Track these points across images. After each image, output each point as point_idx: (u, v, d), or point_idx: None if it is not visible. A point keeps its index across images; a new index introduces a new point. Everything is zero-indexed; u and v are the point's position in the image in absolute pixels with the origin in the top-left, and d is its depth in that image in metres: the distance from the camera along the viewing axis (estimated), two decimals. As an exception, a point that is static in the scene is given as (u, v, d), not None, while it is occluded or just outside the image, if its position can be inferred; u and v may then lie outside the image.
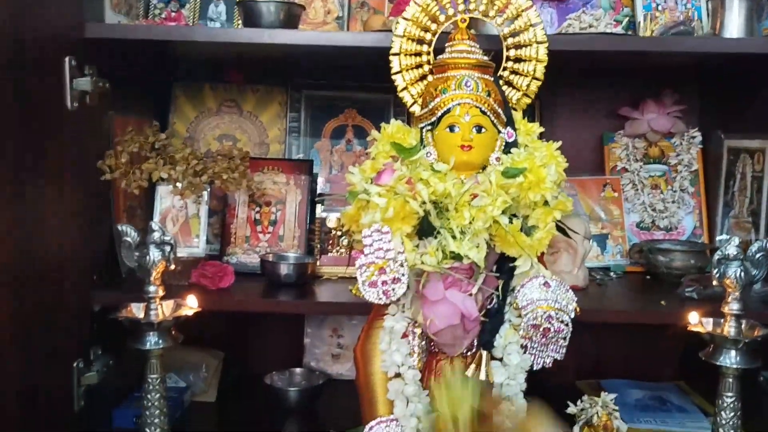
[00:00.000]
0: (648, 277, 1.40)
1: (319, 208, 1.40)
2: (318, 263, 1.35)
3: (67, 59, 1.06)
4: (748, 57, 1.14)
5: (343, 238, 1.39)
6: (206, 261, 1.24)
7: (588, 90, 1.53)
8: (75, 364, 1.11)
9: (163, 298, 0.98)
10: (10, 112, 0.94)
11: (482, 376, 0.90)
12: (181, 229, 1.26)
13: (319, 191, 1.46)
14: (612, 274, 1.42)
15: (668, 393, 1.45)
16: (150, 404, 0.98)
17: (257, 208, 1.40)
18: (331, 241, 1.39)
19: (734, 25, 1.16)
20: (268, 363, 1.49)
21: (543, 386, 1.00)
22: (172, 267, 0.97)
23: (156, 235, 0.95)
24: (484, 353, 0.91)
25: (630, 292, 1.33)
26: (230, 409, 1.41)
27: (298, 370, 1.49)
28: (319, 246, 1.38)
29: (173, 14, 1.28)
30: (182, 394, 1.38)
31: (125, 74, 1.28)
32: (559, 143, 0.96)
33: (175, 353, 1.40)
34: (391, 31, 1.07)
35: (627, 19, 1.37)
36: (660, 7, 1.31)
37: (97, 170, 1.19)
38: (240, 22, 1.31)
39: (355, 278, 0.89)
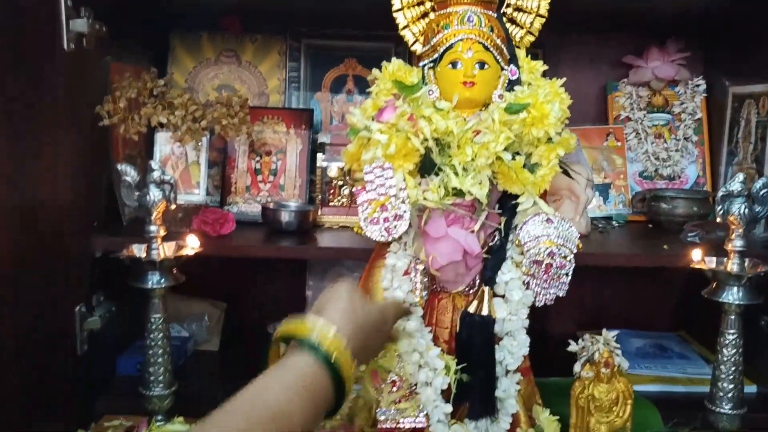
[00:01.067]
0: (650, 225, 1.40)
1: (320, 157, 1.39)
2: (319, 212, 1.35)
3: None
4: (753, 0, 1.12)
5: (344, 187, 1.39)
6: (207, 208, 1.24)
7: (592, 39, 1.51)
8: (77, 309, 1.12)
9: (164, 240, 0.97)
10: (3, 50, 0.93)
11: (484, 312, 0.90)
12: (181, 176, 1.25)
13: (319, 142, 1.45)
14: (614, 222, 1.41)
15: (669, 341, 1.46)
16: (153, 344, 0.99)
17: (257, 158, 1.39)
18: (332, 191, 1.38)
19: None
20: (270, 315, 1.49)
21: (544, 336, 1.01)
22: (173, 206, 0.96)
23: (156, 174, 0.94)
24: (486, 289, 0.91)
25: (632, 238, 1.33)
26: (232, 357, 1.42)
27: (300, 320, 1.50)
28: (320, 195, 1.38)
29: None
30: (185, 344, 1.39)
31: (122, 21, 1.26)
32: (563, 80, 0.94)
33: (178, 304, 1.41)
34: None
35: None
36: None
37: (95, 116, 1.17)
38: (238, -34, 1.28)
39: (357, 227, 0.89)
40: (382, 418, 0.89)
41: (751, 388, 1.27)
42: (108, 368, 1.28)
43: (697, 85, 1.46)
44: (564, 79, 0.94)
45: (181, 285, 1.06)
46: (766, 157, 1.23)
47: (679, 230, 1.27)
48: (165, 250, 0.96)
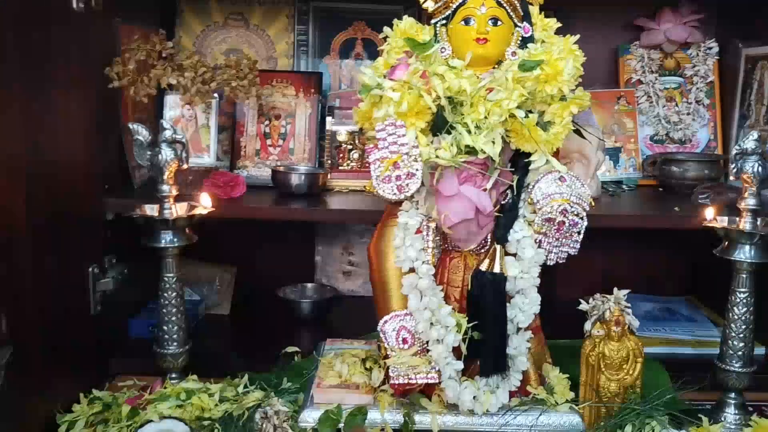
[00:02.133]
0: (661, 189, 1.39)
1: (329, 121, 1.38)
2: (329, 176, 1.34)
3: (70, -43, 1.03)
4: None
5: (354, 151, 1.38)
6: (218, 171, 1.24)
7: (604, 0, 1.48)
8: (90, 269, 1.12)
9: (176, 201, 0.98)
10: (13, 11, 0.92)
11: (496, 270, 0.90)
12: (191, 139, 1.25)
13: (328, 106, 1.45)
14: (624, 186, 1.41)
15: (678, 305, 1.47)
16: (167, 303, 1.00)
17: (267, 122, 1.39)
18: (341, 155, 1.38)
19: None
20: (279, 280, 1.50)
21: (552, 300, 1.01)
22: (185, 166, 0.96)
23: (167, 134, 0.94)
24: (498, 248, 0.91)
25: (643, 202, 1.33)
26: (243, 320, 1.44)
27: (309, 284, 1.51)
28: (329, 160, 1.38)
29: None
30: (197, 307, 1.40)
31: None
32: (577, 36, 0.93)
33: (190, 268, 1.42)
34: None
35: None
36: None
37: (105, 78, 1.17)
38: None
39: (369, 190, 0.89)
40: (395, 374, 0.90)
41: (759, 350, 1.28)
42: (120, 330, 1.30)
43: (710, 48, 1.44)
44: (578, 36, 0.94)
45: (192, 250, 1.07)
46: (780, 119, 1.23)
47: (689, 194, 1.27)
48: (177, 210, 0.97)
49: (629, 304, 0.96)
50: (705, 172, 1.31)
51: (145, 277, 1.28)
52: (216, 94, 1.22)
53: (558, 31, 1.08)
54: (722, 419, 0.98)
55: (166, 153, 0.94)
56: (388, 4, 1.48)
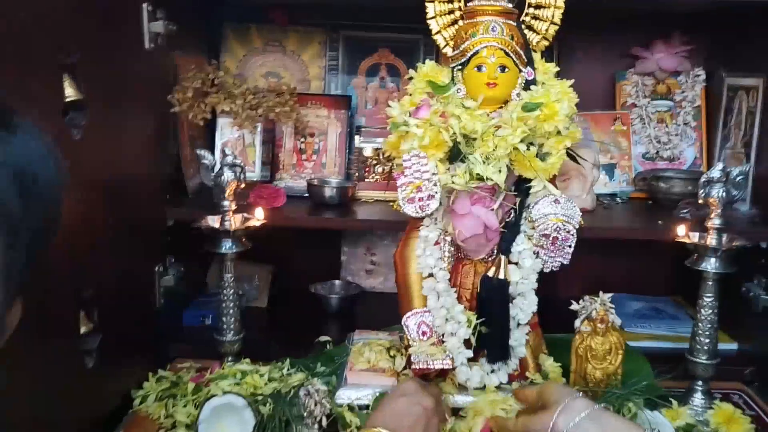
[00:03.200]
0: (650, 202, 1.57)
1: (357, 139, 1.57)
2: (356, 188, 1.53)
3: (144, 5, 1.22)
4: (739, 4, 1.27)
5: (378, 166, 1.57)
6: (261, 184, 1.43)
7: (603, 31, 1.65)
8: (156, 268, 1.32)
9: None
10: (100, 49, 1.10)
11: (501, 276, 1.08)
12: (238, 155, 1.43)
13: (356, 126, 1.63)
14: (618, 199, 1.58)
15: (664, 305, 1.64)
16: (226, 298, 1.19)
17: (302, 139, 1.58)
18: (367, 169, 1.57)
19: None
20: (310, 276, 1.69)
21: (554, 300, 1.19)
22: (243, 185, 1.15)
23: (229, 159, 1.13)
24: (503, 258, 1.09)
25: (633, 214, 1.50)
26: (279, 313, 1.63)
27: (337, 281, 1.70)
28: (357, 173, 1.56)
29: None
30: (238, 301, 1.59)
31: (185, 16, 1.43)
32: (572, 81, 1.11)
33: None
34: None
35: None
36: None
37: (167, 103, 1.36)
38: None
39: (388, 201, 1.06)
40: (416, 360, 1.09)
41: (732, 346, 1.46)
42: (176, 320, 1.50)
43: (698, 75, 1.61)
44: (572, 80, 1.11)
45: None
46: (753, 144, 1.39)
47: (674, 207, 1.44)
48: (235, 222, 1.16)
49: (613, 305, 1.14)
50: (689, 188, 1.48)
51: (194, 274, 1.47)
52: (262, 117, 1.40)
53: (562, 54, 1.26)
54: (690, 403, 1.16)
55: (227, 175, 1.13)
56: (409, 33, 1.65)
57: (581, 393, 0.99)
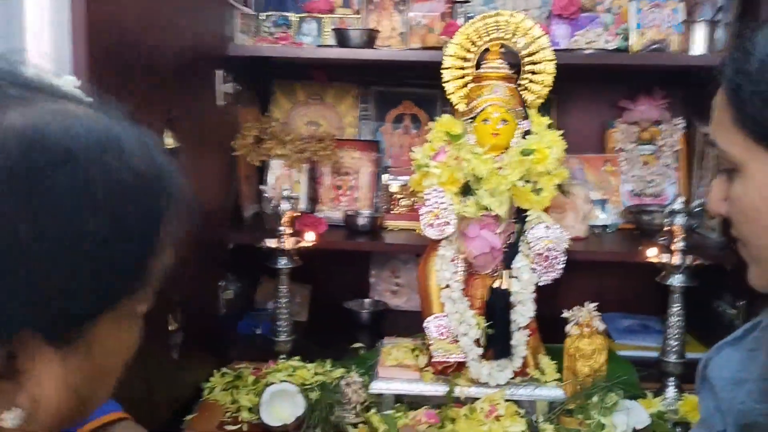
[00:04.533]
0: (636, 232, 1.82)
1: (385, 177, 1.85)
2: (384, 218, 1.81)
3: (219, 72, 1.53)
4: (708, 68, 1.54)
5: (403, 199, 1.85)
6: (306, 214, 1.71)
7: (595, 87, 1.93)
8: (220, 283, 1.60)
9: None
10: (187, 107, 1.40)
11: (504, 287, 1.35)
12: (287, 191, 1.72)
13: (384, 166, 1.92)
14: (608, 229, 1.84)
15: (652, 322, 1.88)
16: (280, 306, 1.46)
17: (339, 177, 1.87)
18: (393, 202, 1.85)
19: (698, 42, 1.56)
20: (342, 296, 1.96)
21: (555, 315, 1.44)
22: (297, 214, 1.43)
23: (286, 192, 1.41)
24: (505, 272, 1.35)
25: (620, 241, 1.76)
26: (317, 325, 1.89)
27: (366, 299, 1.96)
28: (385, 205, 1.84)
29: (282, 34, 1.73)
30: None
31: (244, 76, 1.74)
32: (561, 131, 1.39)
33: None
34: (441, 48, 1.52)
35: (624, 32, 1.77)
36: (648, 25, 1.71)
37: (230, 148, 1.66)
38: (327, 37, 1.76)
39: (411, 229, 1.31)
40: (436, 355, 1.35)
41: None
42: (233, 329, 1.77)
43: (677, 124, 1.88)
44: (562, 131, 1.39)
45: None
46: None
47: (655, 236, 1.69)
48: (289, 243, 1.44)
49: (598, 313, 1.40)
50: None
51: (247, 292, 1.75)
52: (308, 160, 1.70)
53: (559, 106, 1.52)
54: (663, 395, 1.40)
55: (284, 205, 1.41)
56: (429, 89, 1.94)
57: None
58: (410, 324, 1.64)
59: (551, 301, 1.51)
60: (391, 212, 1.84)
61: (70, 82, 0.55)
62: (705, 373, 0.79)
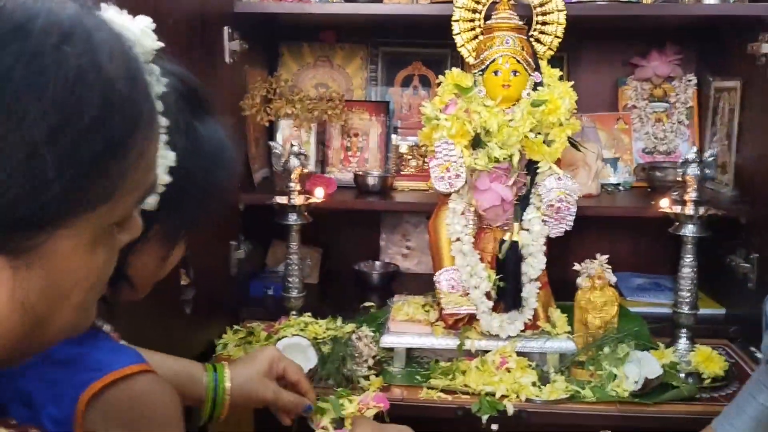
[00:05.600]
0: (649, 189, 1.81)
1: (394, 138, 1.84)
2: (394, 179, 1.80)
3: (225, 28, 1.52)
4: (721, 18, 1.52)
5: (412, 160, 1.84)
6: (316, 174, 1.71)
7: (606, 43, 1.91)
8: (231, 243, 1.60)
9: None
10: (197, 64, 1.40)
11: (515, 239, 1.34)
12: (297, 151, 1.72)
13: (393, 127, 1.91)
14: (620, 188, 1.83)
15: (664, 280, 1.87)
16: (291, 262, 1.46)
17: (348, 138, 1.86)
18: (403, 163, 1.84)
19: (713, -8, 1.53)
20: (352, 258, 1.96)
21: (565, 276, 1.44)
22: (306, 170, 1.43)
23: (295, 149, 1.41)
24: (516, 224, 1.35)
25: (632, 198, 1.75)
26: (328, 287, 1.90)
27: (377, 262, 1.96)
28: (394, 166, 1.83)
29: (289, -8, 1.71)
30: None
31: (251, 36, 1.73)
32: (572, 83, 1.37)
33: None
34: (452, 1, 1.50)
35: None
36: (661, -23, 1.68)
37: (238, 108, 1.65)
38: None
39: (421, 189, 1.30)
40: (447, 307, 1.35)
41: (720, 311, 1.68)
42: (244, 289, 1.78)
43: (689, 80, 1.85)
44: (572, 82, 1.37)
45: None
46: (734, 135, 1.63)
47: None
48: (299, 199, 1.43)
49: (609, 266, 1.39)
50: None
51: (258, 254, 1.75)
52: (317, 119, 1.69)
53: (570, 64, 1.51)
54: (675, 347, 1.40)
55: (294, 161, 1.41)
56: (438, 48, 1.93)
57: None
58: (421, 286, 1.64)
59: (563, 260, 1.51)
60: (401, 173, 1.83)
61: None
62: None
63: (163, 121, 0.56)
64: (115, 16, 0.56)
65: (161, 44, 0.61)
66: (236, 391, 1.04)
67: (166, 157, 0.62)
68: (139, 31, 0.58)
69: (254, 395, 1.07)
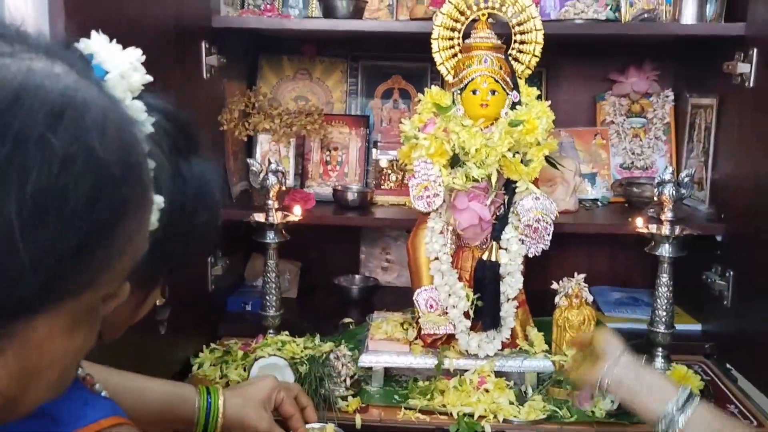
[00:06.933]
0: (626, 205, 1.82)
1: (374, 152, 1.84)
2: (374, 193, 1.79)
3: (203, 43, 1.50)
4: (696, 38, 1.53)
5: (392, 174, 1.84)
6: (294, 190, 1.70)
7: (584, 59, 1.92)
8: (209, 259, 1.59)
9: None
10: (174, 78, 1.38)
11: (493, 259, 1.34)
12: (275, 166, 1.71)
13: (373, 141, 1.90)
14: (599, 203, 1.84)
15: (641, 295, 1.88)
16: (269, 280, 1.45)
17: (327, 152, 1.85)
18: (383, 177, 1.83)
19: (689, 12, 1.55)
20: (332, 271, 1.95)
21: (544, 290, 1.44)
22: (284, 188, 1.42)
23: (273, 166, 1.40)
24: (494, 244, 1.35)
25: (609, 214, 1.76)
26: (307, 302, 1.88)
27: (357, 275, 1.96)
28: (374, 181, 1.83)
29: (268, 6, 1.71)
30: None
31: (230, 50, 1.71)
32: (549, 102, 1.38)
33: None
34: (431, 18, 1.49)
35: (614, 2, 1.75)
36: (638, -5, 1.69)
37: (217, 123, 1.64)
38: (314, 9, 1.74)
39: (400, 204, 1.30)
40: (425, 327, 1.35)
41: (696, 327, 1.70)
42: (222, 306, 1.76)
43: (667, 96, 1.87)
44: (549, 101, 1.38)
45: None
46: (710, 153, 1.65)
47: (645, 208, 1.69)
48: (277, 217, 1.42)
49: (586, 285, 1.39)
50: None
51: (235, 269, 1.74)
52: (295, 134, 1.68)
53: (549, 80, 1.51)
54: (651, 365, 1.40)
55: (272, 179, 1.40)
56: (418, 62, 1.93)
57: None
58: (401, 299, 1.64)
59: (541, 276, 1.51)
60: (381, 187, 1.83)
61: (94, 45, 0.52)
62: None
63: (150, 164, 0.52)
64: (104, 46, 0.54)
65: (150, 78, 0.57)
66: (231, 415, 1.03)
67: (154, 202, 0.60)
68: (129, 65, 0.55)
69: (248, 422, 1.06)
